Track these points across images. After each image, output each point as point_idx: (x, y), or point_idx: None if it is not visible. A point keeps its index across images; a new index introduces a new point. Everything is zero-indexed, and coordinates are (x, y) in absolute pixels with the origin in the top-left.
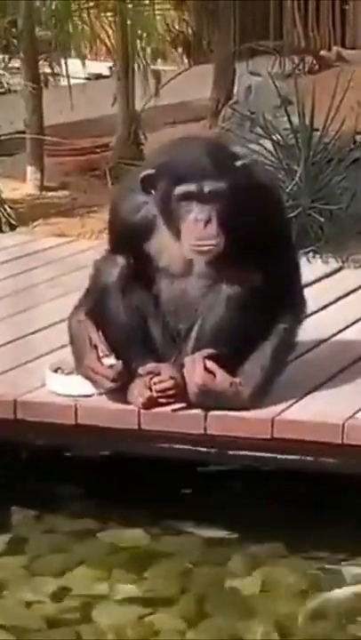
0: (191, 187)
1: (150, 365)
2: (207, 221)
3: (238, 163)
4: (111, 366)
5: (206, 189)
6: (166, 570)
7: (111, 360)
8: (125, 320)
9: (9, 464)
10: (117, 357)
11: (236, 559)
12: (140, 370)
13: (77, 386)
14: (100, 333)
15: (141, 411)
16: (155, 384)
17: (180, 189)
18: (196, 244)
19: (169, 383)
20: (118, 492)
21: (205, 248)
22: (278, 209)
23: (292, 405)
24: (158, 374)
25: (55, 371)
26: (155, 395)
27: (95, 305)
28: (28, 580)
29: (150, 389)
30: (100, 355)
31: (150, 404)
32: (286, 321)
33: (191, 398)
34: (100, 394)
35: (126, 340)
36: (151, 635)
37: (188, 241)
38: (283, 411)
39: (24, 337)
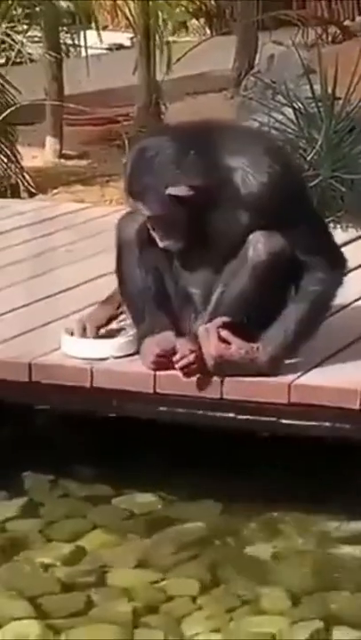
0: (128, 201)
1: (166, 341)
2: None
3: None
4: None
5: (140, 209)
6: (181, 536)
7: None
8: (140, 277)
9: (24, 427)
10: (132, 315)
11: (251, 525)
12: (158, 350)
13: (93, 349)
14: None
15: (157, 374)
16: (176, 362)
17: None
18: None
19: (192, 357)
20: (133, 457)
21: (165, 244)
22: (289, 174)
23: (309, 370)
24: (175, 352)
25: (71, 334)
26: (179, 372)
27: (116, 262)
28: (42, 544)
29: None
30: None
31: (159, 365)
32: (316, 284)
33: (209, 369)
34: (116, 357)
35: (140, 297)
36: (164, 600)
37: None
38: (300, 376)
39: (40, 300)
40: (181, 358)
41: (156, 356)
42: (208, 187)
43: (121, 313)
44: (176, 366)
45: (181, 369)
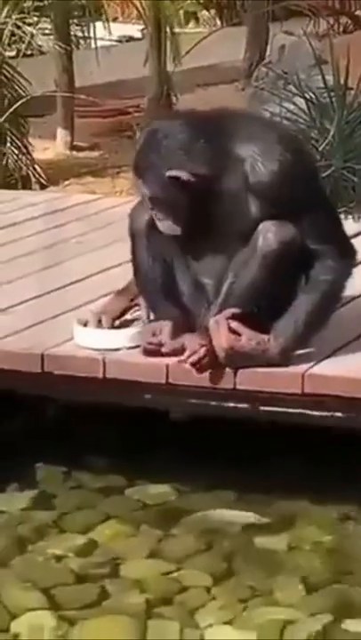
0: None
1: (160, 330)
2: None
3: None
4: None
5: (140, 188)
6: (194, 527)
7: None
8: (151, 267)
9: (36, 419)
10: (147, 304)
11: (265, 516)
12: (165, 348)
13: (106, 339)
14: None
15: (170, 365)
16: (187, 358)
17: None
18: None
19: (202, 351)
20: (146, 448)
21: (159, 227)
22: (301, 163)
23: (323, 360)
24: (184, 350)
25: (84, 325)
26: (190, 368)
27: (131, 251)
28: (55, 535)
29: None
30: None
31: (149, 352)
32: (327, 274)
33: (221, 360)
34: (128, 348)
35: (149, 286)
36: (178, 591)
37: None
38: (313, 365)
39: (51, 292)
40: (192, 354)
41: (146, 342)
42: (214, 176)
43: (135, 304)
44: (187, 362)
45: (193, 365)
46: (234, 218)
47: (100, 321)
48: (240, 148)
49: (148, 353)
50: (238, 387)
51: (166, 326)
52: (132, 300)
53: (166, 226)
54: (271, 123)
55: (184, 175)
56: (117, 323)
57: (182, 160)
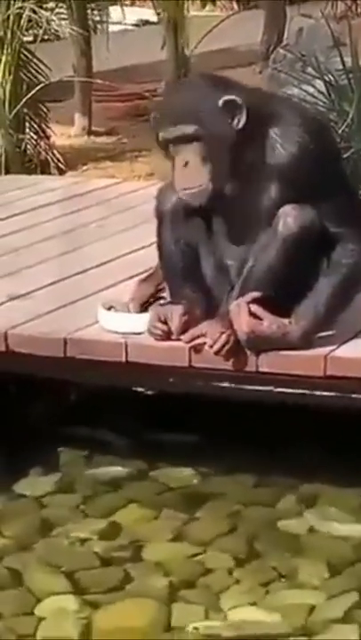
0: (167, 132)
1: (168, 313)
2: (186, 164)
3: (224, 98)
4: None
5: (179, 133)
6: (216, 510)
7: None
8: (172, 250)
9: (59, 403)
10: (169, 287)
11: (288, 499)
12: (184, 337)
13: (129, 323)
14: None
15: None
16: (210, 347)
17: (160, 136)
18: (182, 191)
19: (223, 338)
20: (168, 432)
21: (191, 192)
22: (321, 145)
23: (345, 343)
24: (204, 335)
25: (108, 309)
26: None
27: (157, 234)
28: (78, 519)
29: (165, 322)
30: None
31: (155, 335)
32: (348, 257)
33: (243, 344)
34: None
35: (170, 269)
36: (201, 574)
37: (177, 187)
38: (336, 348)
39: (72, 276)
40: (214, 342)
41: (152, 326)
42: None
43: (162, 289)
44: (211, 351)
45: (216, 353)
46: (256, 198)
47: (111, 307)
48: (263, 126)
49: (154, 337)
50: (260, 369)
51: (176, 311)
52: (158, 284)
53: (200, 189)
54: (293, 104)
55: (238, 98)
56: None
57: (220, 93)
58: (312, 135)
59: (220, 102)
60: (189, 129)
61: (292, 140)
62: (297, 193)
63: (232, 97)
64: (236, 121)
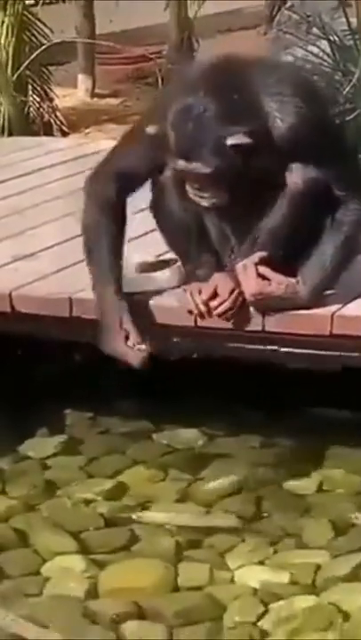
0: (174, 163)
1: (206, 286)
2: (198, 186)
3: (231, 142)
4: (140, 350)
5: (185, 169)
6: (222, 470)
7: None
8: (180, 215)
9: (64, 364)
10: (177, 253)
11: (293, 460)
12: (198, 296)
13: (135, 284)
14: (130, 317)
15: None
16: (215, 308)
17: (171, 164)
18: (194, 199)
19: (230, 301)
20: (174, 393)
21: (204, 203)
22: (318, 112)
23: (351, 302)
24: (216, 295)
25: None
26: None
27: (154, 200)
28: (83, 480)
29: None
30: (131, 342)
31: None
32: (351, 214)
33: (250, 305)
34: (159, 292)
35: (181, 235)
36: (207, 534)
37: (189, 192)
38: (342, 307)
39: (78, 236)
40: (220, 304)
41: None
42: (255, 131)
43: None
44: (215, 313)
45: (220, 316)
46: (263, 172)
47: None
48: (262, 102)
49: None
50: (266, 329)
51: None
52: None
53: (214, 200)
54: (284, 69)
55: (243, 139)
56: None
57: (229, 125)
58: (308, 102)
59: (228, 143)
60: (197, 167)
61: (290, 110)
62: (301, 161)
63: (239, 141)
64: (244, 158)
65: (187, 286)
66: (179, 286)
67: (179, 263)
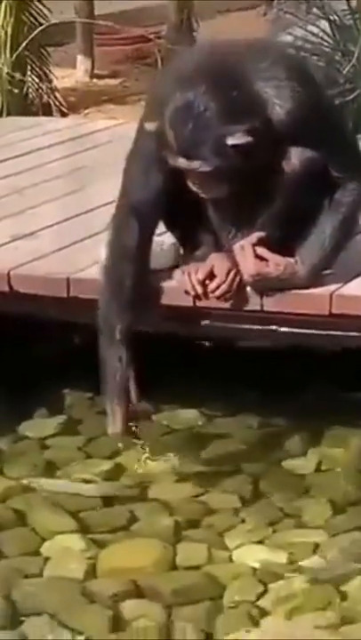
0: (174, 160)
1: (202, 266)
2: (200, 182)
3: (231, 142)
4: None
5: (187, 167)
6: (221, 450)
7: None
8: (178, 196)
9: (63, 344)
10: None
11: (293, 439)
12: (195, 276)
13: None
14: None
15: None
16: (212, 292)
17: (171, 161)
18: (195, 190)
19: (227, 283)
20: (173, 373)
21: (204, 195)
22: (314, 96)
23: (350, 281)
24: (212, 275)
25: None
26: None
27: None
28: (82, 460)
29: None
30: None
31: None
32: (349, 195)
33: (248, 285)
34: (158, 270)
35: (179, 216)
36: (206, 513)
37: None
38: (341, 286)
39: (77, 216)
40: (218, 287)
41: (192, 288)
42: (255, 126)
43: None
44: (213, 295)
45: (218, 298)
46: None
47: None
48: (258, 91)
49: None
50: (265, 308)
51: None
52: None
53: (214, 193)
54: (274, 50)
55: (244, 138)
56: None
57: (230, 123)
58: (303, 87)
59: (229, 143)
60: (197, 165)
61: (286, 96)
62: (300, 144)
63: (239, 141)
64: (245, 155)
65: (184, 267)
66: (177, 266)
67: (175, 242)
